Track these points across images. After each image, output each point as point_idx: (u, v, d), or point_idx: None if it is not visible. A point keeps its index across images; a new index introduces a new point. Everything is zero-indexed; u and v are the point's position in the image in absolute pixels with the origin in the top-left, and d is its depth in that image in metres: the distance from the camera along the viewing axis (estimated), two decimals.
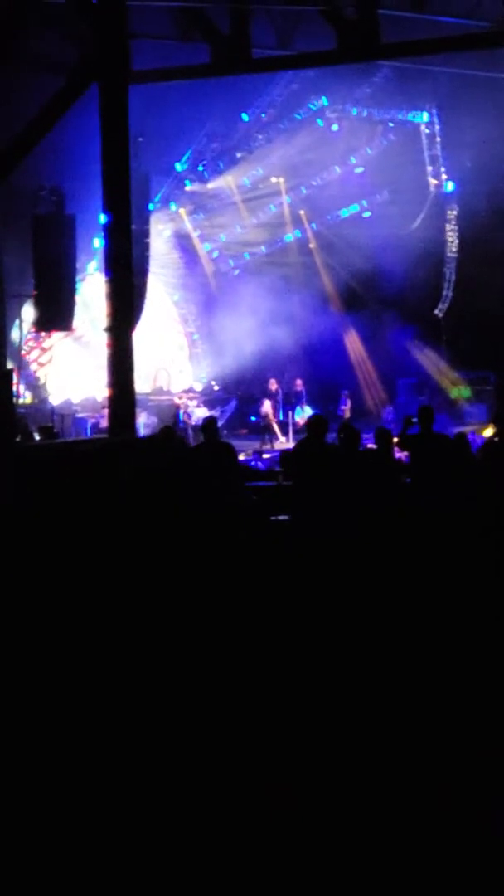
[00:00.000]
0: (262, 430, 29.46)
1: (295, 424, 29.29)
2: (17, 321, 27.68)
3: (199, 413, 30.62)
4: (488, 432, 25.63)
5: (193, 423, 28.63)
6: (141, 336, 21.56)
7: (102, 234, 16.86)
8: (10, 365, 26.02)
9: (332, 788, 6.97)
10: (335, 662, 9.04)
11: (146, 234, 26.03)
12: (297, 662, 9.07)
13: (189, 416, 29.62)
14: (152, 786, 7.03)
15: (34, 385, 29.67)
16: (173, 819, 6.63)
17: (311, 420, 15.76)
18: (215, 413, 27.75)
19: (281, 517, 14.54)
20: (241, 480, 16.05)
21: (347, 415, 30.41)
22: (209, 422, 16.39)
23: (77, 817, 6.67)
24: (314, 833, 6.43)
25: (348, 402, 31.29)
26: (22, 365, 29.09)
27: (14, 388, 21.61)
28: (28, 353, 29.63)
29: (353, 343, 34.18)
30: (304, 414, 29.83)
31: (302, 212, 34.20)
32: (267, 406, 29.77)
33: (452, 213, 33.21)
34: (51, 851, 6.32)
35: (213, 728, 7.87)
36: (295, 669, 8.92)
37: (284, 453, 17.38)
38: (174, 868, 6.13)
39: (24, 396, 28.64)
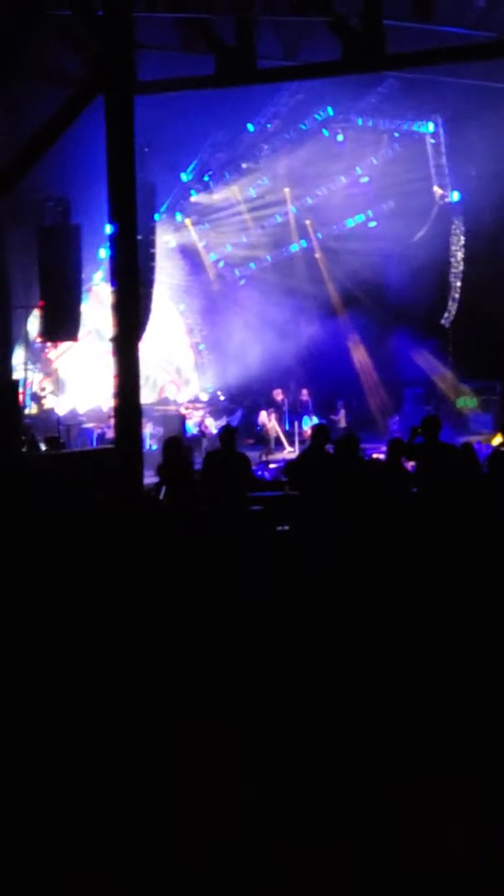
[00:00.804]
0: (263, 441, 29.54)
1: (301, 434, 29.30)
2: (22, 331, 27.77)
3: (207, 423, 30.69)
4: (496, 441, 25.66)
5: (209, 433, 28.74)
6: (147, 346, 21.58)
7: (108, 244, 16.87)
8: (18, 375, 26.12)
9: (331, 789, 6.98)
10: (335, 671, 9.04)
11: (152, 244, 26.06)
12: (296, 671, 9.07)
13: (206, 427, 29.66)
14: (150, 786, 7.05)
15: (40, 395, 29.71)
16: (173, 819, 6.64)
17: (313, 430, 15.83)
18: (222, 422, 27.78)
19: (286, 527, 14.54)
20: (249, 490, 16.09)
21: (342, 424, 30.48)
22: (227, 430, 16.43)
23: (77, 817, 6.68)
24: (314, 833, 6.44)
25: (342, 412, 31.32)
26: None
27: (21, 397, 21.68)
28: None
29: (359, 353, 34.21)
30: (310, 424, 29.87)
31: (307, 222, 34.23)
32: (264, 416, 29.82)
33: (458, 223, 33.22)
34: (50, 851, 6.33)
35: (211, 727, 7.88)
36: (293, 679, 8.91)
37: (289, 463, 17.40)
38: (174, 868, 6.14)
39: (30, 406, 28.70)
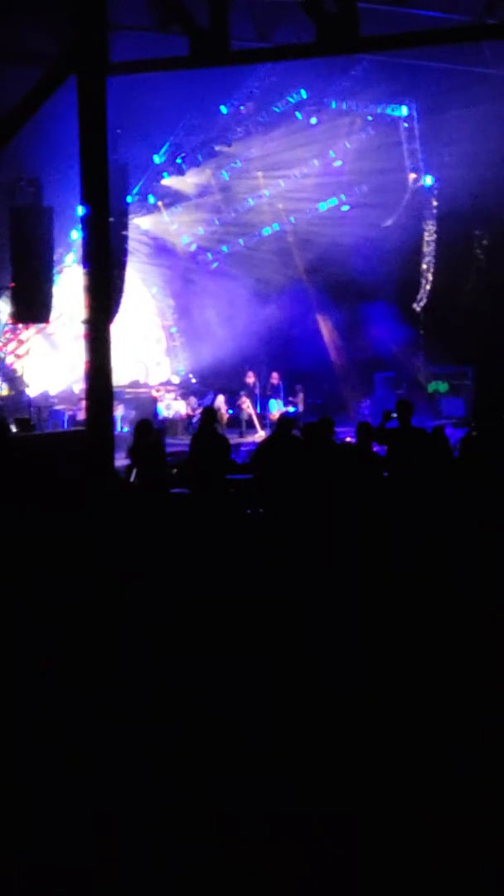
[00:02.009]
0: (236, 423, 29.66)
1: (268, 417, 29.37)
2: None
3: (177, 406, 30.66)
4: None
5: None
6: (118, 329, 21.50)
7: (80, 225, 16.80)
8: None
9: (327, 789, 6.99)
10: (299, 656, 9.04)
11: (124, 226, 25.97)
12: (262, 657, 9.07)
13: (193, 410, 29.66)
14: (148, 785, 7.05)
15: (11, 377, 29.59)
16: (173, 819, 6.64)
17: (279, 418, 15.92)
18: (212, 403, 27.76)
19: (256, 510, 14.58)
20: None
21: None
22: (207, 411, 16.44)
23: (76, 818, 6.68)
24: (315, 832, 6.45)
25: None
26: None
27: None
28: (5, 345, 29.52)
29: (330, 337, 34.20)
30: (277, 407, 29.97)
31: (280, 205, 34.14)
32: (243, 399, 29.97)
33: (431, 207, 33.23)
34: (50, 851, 6.32)
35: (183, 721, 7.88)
36: (257, 664, 8.91)
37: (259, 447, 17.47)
38: (173, 868, 6.13)
39: (1, 388, 28.61)
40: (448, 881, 5.97)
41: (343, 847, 6.23)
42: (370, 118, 32.17)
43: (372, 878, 6.00)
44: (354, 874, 6.03)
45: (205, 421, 16.31)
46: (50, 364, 30.63)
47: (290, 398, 31.08)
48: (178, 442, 25.82)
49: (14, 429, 22.16)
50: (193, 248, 34.48)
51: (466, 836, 6.35)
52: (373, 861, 6.11)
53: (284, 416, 16.24)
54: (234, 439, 27.53)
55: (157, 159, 31.79)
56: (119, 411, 26.07)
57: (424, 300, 33.79)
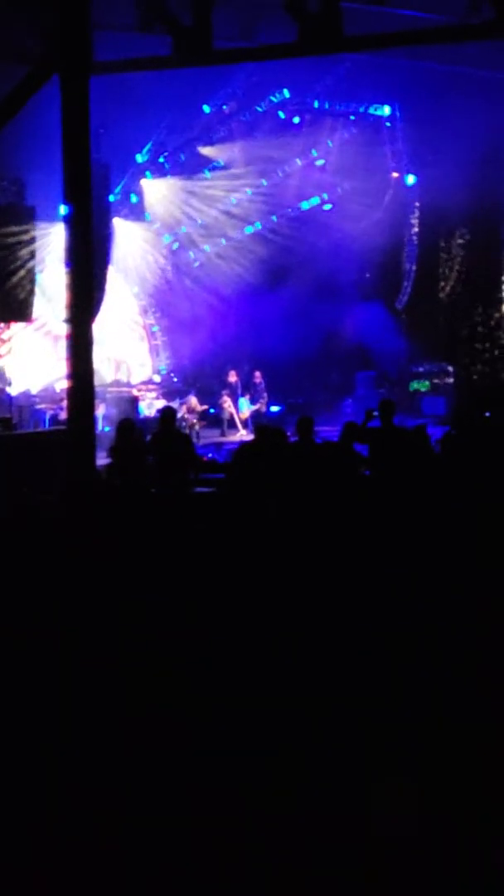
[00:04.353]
0: (218, 422, 29.74)
1: (238, 416, 29.58)
2: None
3: (158, 405, 30.64)
4: None
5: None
6: (100, 328, 21.50)
7: (63, 224, 16.80)
8: None
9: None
10: (282, 658, 9.05)
11: (106, 225, 25.94)
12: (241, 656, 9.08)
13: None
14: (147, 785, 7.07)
15: None
16: (173, 819, 6.65)
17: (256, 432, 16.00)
18: (174, 404, 27.74)
19: (236, 508, 14.59)
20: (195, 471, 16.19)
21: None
22: (167, 411, 16.47)
23: (76, 818, 6.69)
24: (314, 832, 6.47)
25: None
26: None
27: None
28: None
29: (313, 335, 34.19)
30: (247, 406, 30.03)
31: (263, 204, 34.10)
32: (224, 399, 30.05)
33: (413, 207, 33.31)
34: (50, 852, 6.34)
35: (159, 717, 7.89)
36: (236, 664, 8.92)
37: (241, 446, 17.52)
38: (174, 867, 6.15)
39: None
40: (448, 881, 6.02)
41: (343, 846, 6.27)
42: (353, 118, 32.23)
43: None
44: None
45: (164, 421, 16.35)
46: (31, 363, 30.56)
47: (251, 394, 31.02)
48: None
49: None
50: (176, 246, 34.42)
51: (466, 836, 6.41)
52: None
53: (264, 427, 16.33)
54: (216, 438, 27.63)
55: (139, 158, 31.77)
56: (101, 410, 26.04)
57: (406, 299, 33.85)
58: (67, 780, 7.11)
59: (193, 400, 29.66)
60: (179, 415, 27.69)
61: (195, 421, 28.76)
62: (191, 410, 28.98)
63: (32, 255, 23.81)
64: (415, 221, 33.52)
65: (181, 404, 28.63)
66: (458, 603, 10.18)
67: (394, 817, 6.50)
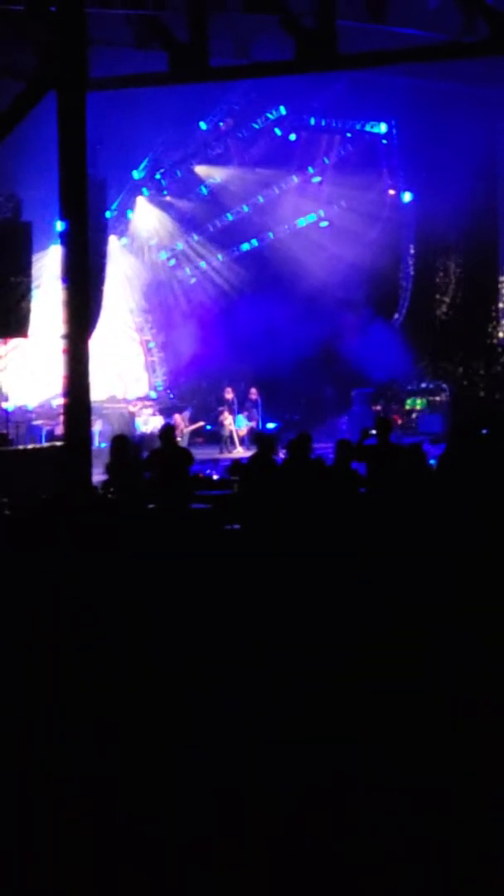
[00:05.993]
0: (217, 439, 29.69)
1: (236, 433, 29.55)
2: None
3: (154, 422, 30.61)
4: None
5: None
6: (96, 344, 21.48)
7: (59, 241, 16.83)
8: None
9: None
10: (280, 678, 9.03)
11: (103, 241, 25.95)
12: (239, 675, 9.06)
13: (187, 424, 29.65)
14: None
15: None
16: (172, 819, 6.63)
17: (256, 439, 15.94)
18: (171, 421, 27.71)
19: (234, 526, 14.54)
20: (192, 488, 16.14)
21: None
22: (167, 429, 16.45)
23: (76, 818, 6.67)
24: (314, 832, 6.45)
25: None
26: None
27: None
28: None
29: (309, 352, 34.17)
30: (244, 423, 30.01)
31: (259, 221, 34.13)
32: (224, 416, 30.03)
33: (410, 224, 33.34)
34: (50, 852, 6.32)
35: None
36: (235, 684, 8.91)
37: (235, 463, 17.48)
38: (173, 868, 6.13)
39: None
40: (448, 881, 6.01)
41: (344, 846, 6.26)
42: (349, 135, 32.35)
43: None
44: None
45: (164, 438, 16.32)
46: (28, 379, 30.53)
47: (247, 411, 31.01)
48: None
49: None
50: (172, 263, 34.45)
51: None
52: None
53: (261, 434, 16.31)
54: (214, 455, 27.58)
55: (136, 175, 31.82)
56: (97, 426, 26.02)
57: (402, 316, 33.86)
58: (65, 783, 7.11)
59: (178, 417, 29.62)
60: None
61: (178, 439, 28.75)
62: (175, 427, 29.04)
63: (29, 271, 23.76)
64: (411, 238, 33.53)
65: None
66: (457, 619, 10.15)
67: (394, 817, 6.51)
